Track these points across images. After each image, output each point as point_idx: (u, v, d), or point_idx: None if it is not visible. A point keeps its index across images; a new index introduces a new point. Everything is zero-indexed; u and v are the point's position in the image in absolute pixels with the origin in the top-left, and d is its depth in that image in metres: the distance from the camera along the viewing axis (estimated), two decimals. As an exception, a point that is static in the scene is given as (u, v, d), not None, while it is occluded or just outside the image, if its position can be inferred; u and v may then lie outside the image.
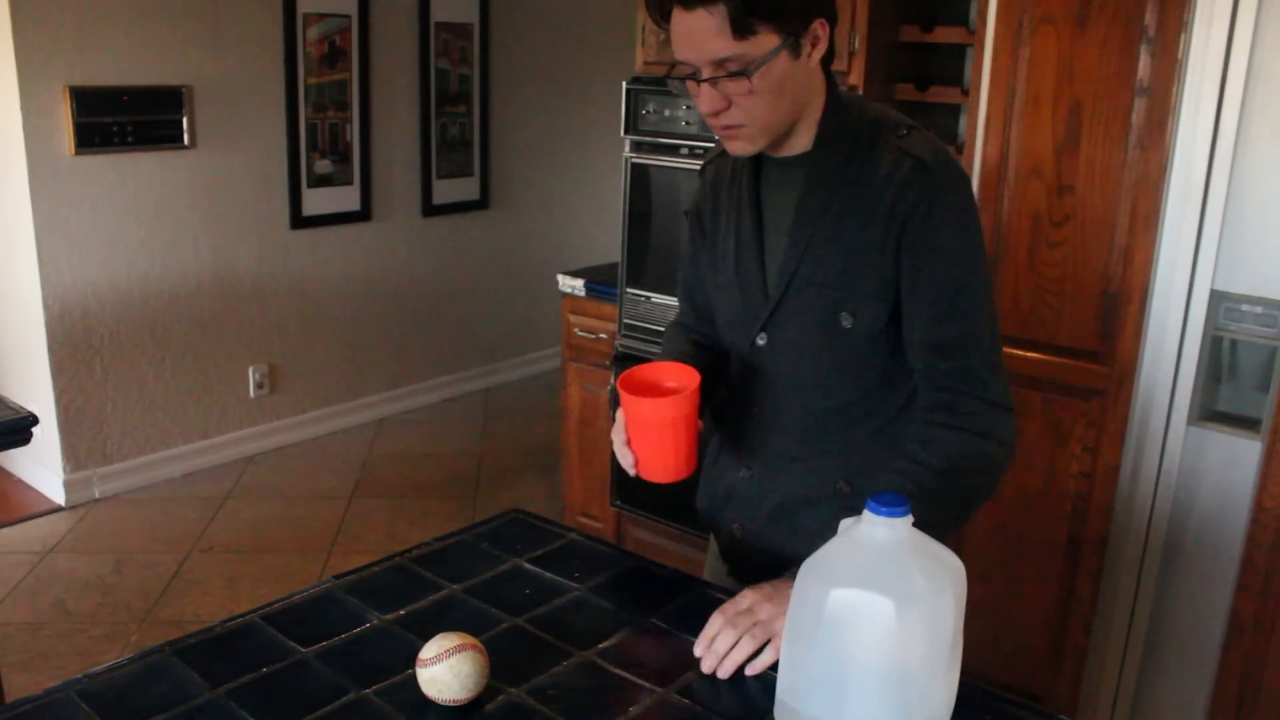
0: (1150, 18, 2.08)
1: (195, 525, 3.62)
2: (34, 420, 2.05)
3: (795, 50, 1.22)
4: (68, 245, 3.59)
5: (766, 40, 1.19)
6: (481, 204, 4.95)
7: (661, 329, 2.85)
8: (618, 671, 1.22)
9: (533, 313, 5.23)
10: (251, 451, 4.24)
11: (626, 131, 2.97)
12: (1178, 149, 2.09)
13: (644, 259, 3.02)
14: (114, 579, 3.24)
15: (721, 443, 1.53)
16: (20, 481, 3.92)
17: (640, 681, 1.20)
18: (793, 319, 1.35)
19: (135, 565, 3.33)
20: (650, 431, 1.29)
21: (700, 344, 1.51)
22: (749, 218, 1.38)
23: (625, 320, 3.08)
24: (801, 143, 1.33)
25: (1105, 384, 2.25)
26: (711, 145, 1.56)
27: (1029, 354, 2.33)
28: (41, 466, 3.80)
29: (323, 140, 4.25)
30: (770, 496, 1.43)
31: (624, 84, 2.95)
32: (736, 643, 1.20)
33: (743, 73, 1.20)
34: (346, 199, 4.39)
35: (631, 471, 1.32)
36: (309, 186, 4.23)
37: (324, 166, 4.28)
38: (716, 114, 1.25)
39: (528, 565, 1.47)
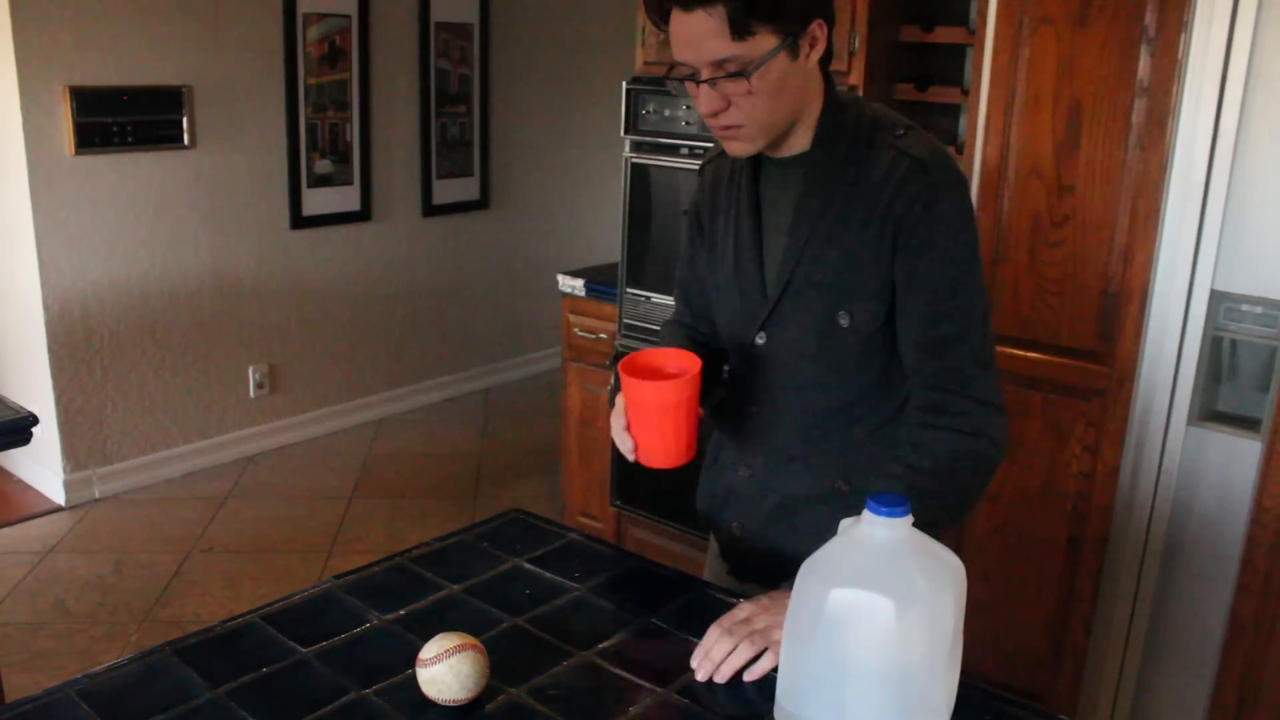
0: (1150, 18, 2.08)
1: (195, 525, 3.62)
2: (34, 420, 2.05)
3: (793, 51, 1.23)
4: (68, 245, 3.59)
5: (765, 41, 1.20)
6: (481, 204, 4.95)
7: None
8: (618, 671, 1.22)
9: (533, 313, 5.23)
10: (251, 451, 4.24)
11: (626, 131, 2.97)
12: (1178, 149, 2.09)
13: (644, 259, 3.02)
14: (114, 579, 3.24)
15: (721, 442, 1.53)
16: (20, 481, 3.92)
17: (640, 681, 1.20)
18: (791, 318, 1.35)
19: (135, 565, 3.33)
20: (651, 416, 1.28)
21: (697, 340, 1.52)
22: (748, 218, 1.38)
23: (625, 320, 3.08)
24: (800, 143, 1.33)
25: (1105, 384, 2.25)
26: (711, 145, 1.56)
27: (1029, 354, 2.33)
28: (41, 466, 3.80)
29: (323, 140, 4.25)
30: (770, 495, 1.43)
31: (624, 84, 2.95)
32: (733, 650, 1.20)
33: (741, 73, 1.20)
34: (346, 199, 4.39)
35: (630, 457, 1.32)
36: (309, 186, 4.23)
37: (324, 166, 4.28)
38: (715, 114, 1.26)
39: (528, 565, 1.47)
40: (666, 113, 2.88)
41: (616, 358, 3.10)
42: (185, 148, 3.83)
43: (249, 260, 4.11)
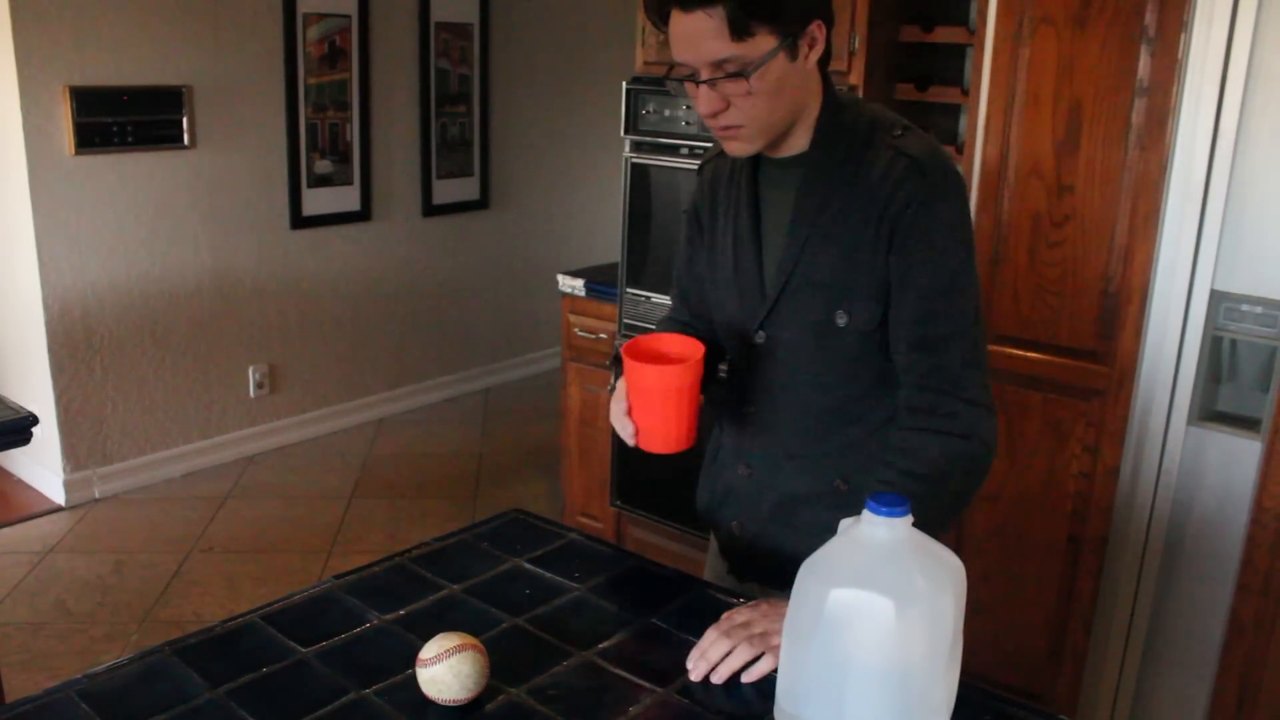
0: (1150, 18, 2.08)
1: (195, 525, 3.62)
2: (34, 420, 2.05)
3: (793, 52, 1.23)
4: (68, 245, 3.59)
5: (764, 42, 1.20)
6: (481, 204, 4.95)
7: (661, 329, 2.84)
8: (618, 671, 1.22)
9: (533, 313, 5.23)
10: (251, 451, 4.24)
11: (626, 131, 2.97)
12: (1178, 149, 2.09)
13: (644, 259, 3.02)
14: (114, 579, 3.24)
15: (721, 441, 1.53)
16: (20, 481, 3.92)
17: (640, 681, 1.20)
18: (790, 318, 1.35)
19: (135, 565, 3.33)
20: (654, 400, 1.28)
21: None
22: (747, 217, 1.38)
23: (625, 320, 3.08)
24: (799, 143, 1.33)
25: (1105, 384, 2.25)
26: (710, 145, 1.57)
27: (1029, 354, 2.33)
28: (41, 466, 3.80)
29: (323, 140, 4.25)
30: (769, 494, 1.44)
31: (624, 84, 2.95)
32: (731, 652, 1.20)
33: (741, 74, 1.21)
34: (346, 199, 4.39)
35: (631, 442, 1.32)
36: (309, 186, 4.23)
37: (324, 166, 4.28)
38: (715, 115, 1.26)
39: (528, 565, 1.47)
40: (666, 113, 2.88)
41: (617, 358, 3.10)
42: (185, 148, 3.83)
43: (249, 260, 4.11)
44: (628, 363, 1.28)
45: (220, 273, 4.02)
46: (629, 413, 1.31)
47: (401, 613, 1.33)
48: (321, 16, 4.14)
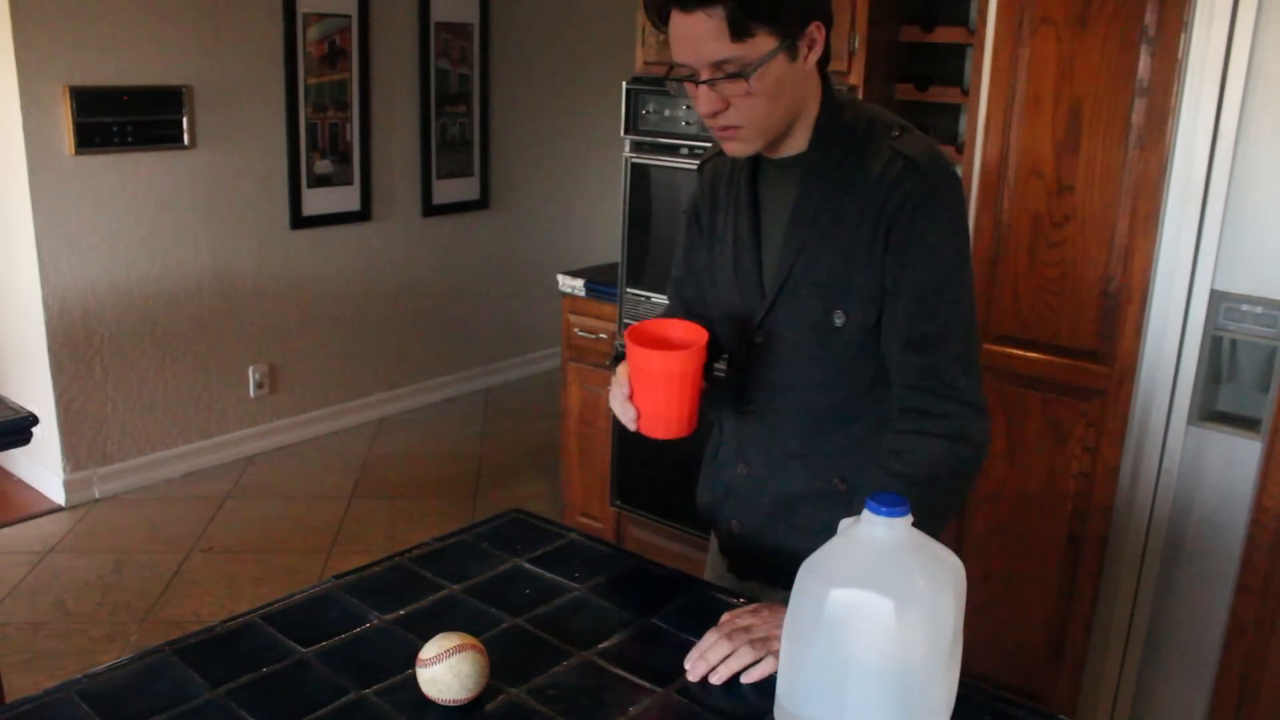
0: (1150, 18, 2.08)
1: (195, 525, 3.62)
2: (34, 420, 2.05)
3: (792, 53, 1.24)
4: (68, 245, 3.59)
5: (764, 43, 1.20)
6: (481, 204, 4.95)
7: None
8: (618, 671, 1.22)
9: (533, 313, 5.23)
10: (251, 451, 4.24)
11: (626, 131, 2.97)
12: (1178, 149, 2.09)
13: (644, 259, 3.02)
14: (114, 579, 3.25)
15: (721, 439, 1.54)
16: (20, 481, 3.92)
17: (640, 681, 1.20)
18: (788, 318, 1.36)
19: (135, 565, 3.33)
20: (656, 385, 1.28)
21: None
22: (747, 217, 1.39)
23: (625, 320, 3.08)
24: (797, 144, 1.34)
25: (1105, 384, 2.25)
26: (710, 145, 1.57)
27: (1029, 354, 2.33)
28: (41, 466, 3.80)
29: (323, 140, 4.25)
30: (768, 493, 1.44)
31: (624, 84, 2.95)
32: (731, 654, 1.20)
33: (740, 74, 1.21)
34: (346, 199, 4.39)
35: (632, 427, 1.32)
36: (309, 186, 4.23)
37: (324, 166, 4.28)
38: (714, 115, 1.26)
39: (528, 565, 1.47)
40: (666, 113, 2.88)
41: (617, 358, 3.10)
42: (185, 148, 3.83)
43: (249, 260, 4.11)
44: (631, 347, 1.28)
45: (220, 273, 4.02)
46: (631, 397, 1.31)
47: (401, 613, 1.33)
48: (321, 16, 4.14)
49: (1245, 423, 2.11)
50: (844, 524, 1.05)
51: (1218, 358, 2.13)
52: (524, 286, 5.18)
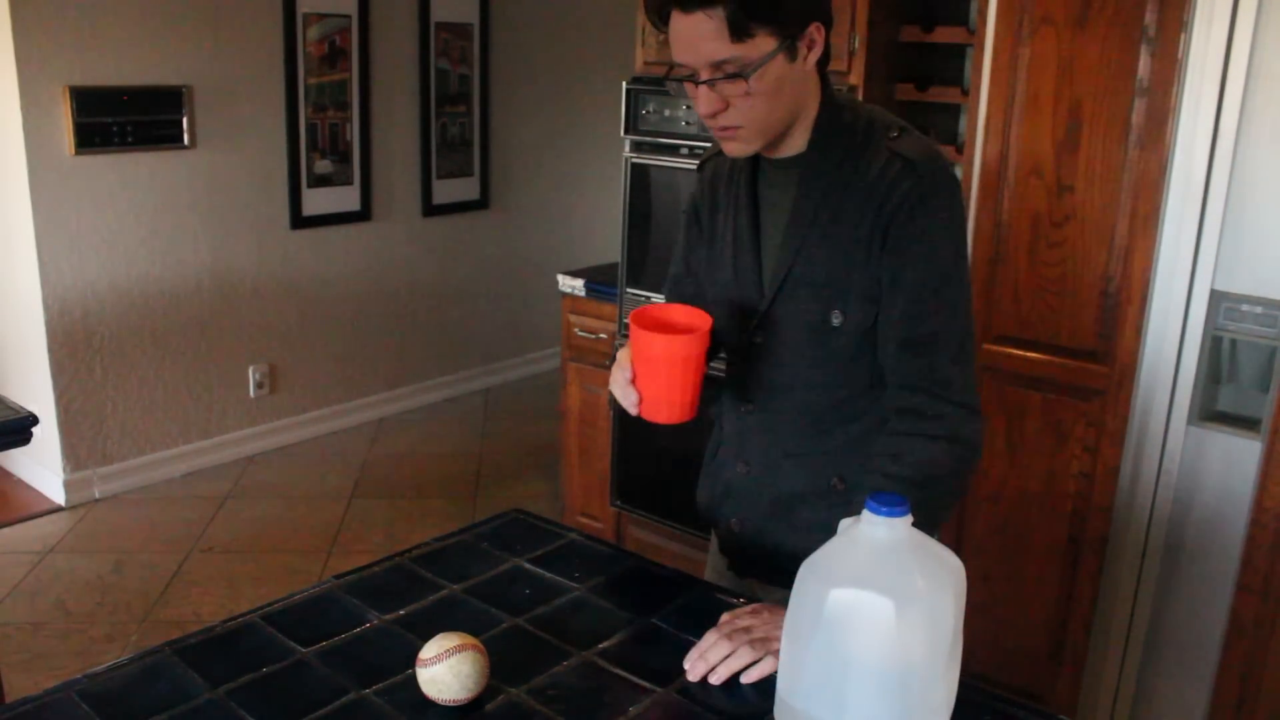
0: (1150, 18, 2.08)
1: (195, 525, 3.62)
2: (34, 420, 2.05)
3: (791, 53, 1.24)
4: (68, 245, 3.59)
5: (764, 43, 1.21)
6: (481, 204, 4.95)
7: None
8: (618, 671, 1.22)
9: (533, 313, 5.23)
10: (251, 451, 4.24)
11: (626, 131, 2.97)
12: (1178, 149, 2.09)
13: (644, 259, 3.02)
14: (114, 579, 3.25)
15: (720, 439, 1.54)
16: (20, 481, 3.92)
17: (640, 681, 1.20)
18: (786, 318, 1.36)
19: (135, 565, 3.33)
20: (660, 369, 1.28)
21: None
22: (746, 217, 1.39)
23: (625, 320, 3.08)
24: (797, 144, 1.34)
25: (1105, 384, 2.25)
26: (710, 145, 1.57)
27: (1029, 354, 2.33)
28: (41, 466, 3.80)
29: (323, 140, 4.25)
30: (767, 492, 1.45)
31: (624, 84, 2.95)
32: (731, 654, 1.20)
33: (740, 75, 1.21)
34: (346, 199, 4.39)
35: (633, 411, 1.32)
36: (309, 186, 4.23)
37: (324, 166, 4.28)
38: (714, 115, 1.27)
39: (528, 565, 1.47)
40: (666, 113, 2.88)
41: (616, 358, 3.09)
42: (185, 148, 3.83)
43: (249, 260, 4.11)
44: (635, 330, 1.27)
45: (220, 273, 4.02)
46: (633, 381, 1.31)
47: (401, 613, 1.33)
48: (321, 16, 4.14)
49: (1245, 423, 2.11)
50: (844, 524, 1.05)
51: (1218, 358, 2.13)
52: (524, 286, 5.18)
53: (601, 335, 3.21)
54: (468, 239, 4.94)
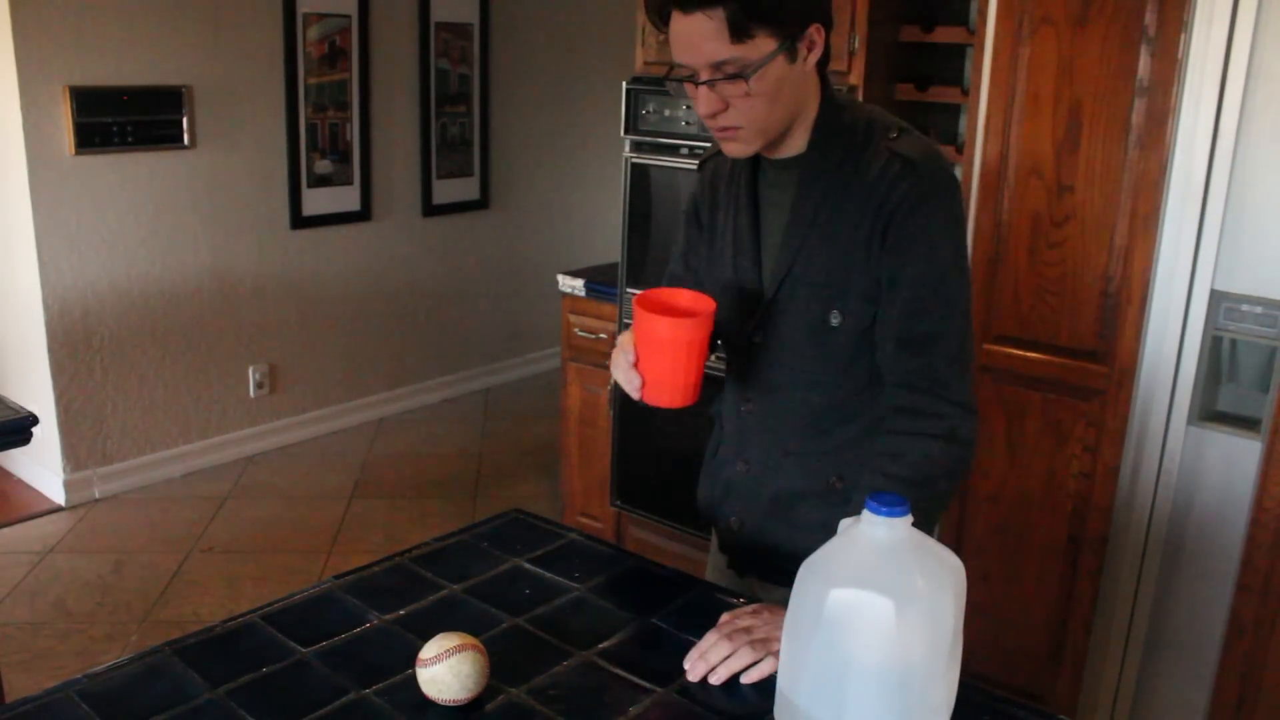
0: (1150, 18, 2.08)
1: (195, 525, 3.62)
2: (34, 420, 2.05)
3: (792, 54, 1.24)
4: (68, 245, 3.59)
5: (764, 44, 1.21)
6: (481, 204, 4.95)
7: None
8: (618, 671, 1.22)
9: (533, 313, 5.23)
10: (251, 451, 4.24)
11: (626, 131, 2.97)
12: (1178, 149, 2.09)
13: (644, 259, 3.02)
14: (114, 579, 3.25)
15: (721, 438, 1.54)
16: (20, 481, 3.92)
17: (640, 681, 1.20)
18: (786, 318, 1.37)
19: (135, 565, 3.33)
20: (664, 351, 1.28)
21: None
22: (746, 216, 1.39)
23: (625, 320, 3.08)
24: (797, 145, 1.34)
25: (1105, 384, 2.25)
26: (710, 145, 1.57)
27: (1029, 354, 2.33)
28: (41, 466, 3.80)
29: (323, 140, 4.25)
30: (766, 490, 1.45)
31: (624, 84, 2.95)
32: (731, 654, 1.20)
33: (740, 75, 1.21)
34: (346, 199, 4.39)
35: (636, 395, 1.32)
36: (309, 186, 4.23)
37: (324, 166, 4.28)
38: (714, 116, 1.27)
39: (528, 565, 1.47)
40: (666, 113, 2.88)
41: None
42: (185, 148, 3.83)
43: (249, 260, 4.11)
44: (640, 313, 1.27)
45: (220, 273, 4.02)
46: (636, 364, 1.31)
47: (401, 613, 1.33)
48: (321, 16, 4.14)
49: (1245, 423, 2.11)
50: (844, 524, 1.05)
51: (1218, 358, 2.13)
52: (524, 286, 5.18)
53: (601, 335, 3.21)
54: (468, 239, 4.94)
